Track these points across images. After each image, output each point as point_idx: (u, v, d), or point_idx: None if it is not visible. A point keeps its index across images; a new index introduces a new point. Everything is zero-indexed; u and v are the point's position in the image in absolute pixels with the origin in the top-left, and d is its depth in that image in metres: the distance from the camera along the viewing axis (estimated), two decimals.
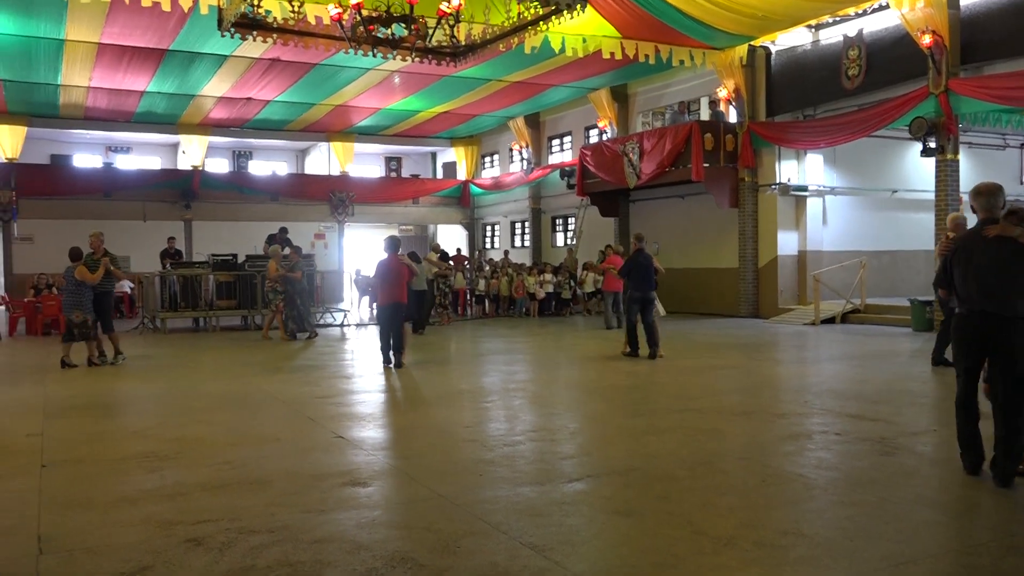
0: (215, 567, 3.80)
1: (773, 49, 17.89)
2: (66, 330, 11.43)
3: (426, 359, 12.75)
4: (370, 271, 14.26)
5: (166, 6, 12.94)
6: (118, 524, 4.49)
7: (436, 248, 20.13)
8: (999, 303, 4.90)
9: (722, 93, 18.30)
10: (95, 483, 5.37)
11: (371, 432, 7.16)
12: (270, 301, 15.25)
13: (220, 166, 28.11)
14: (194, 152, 25.81)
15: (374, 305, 15.40)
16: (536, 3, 10.94)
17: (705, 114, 19.48)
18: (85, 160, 26.91)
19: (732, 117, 18.65)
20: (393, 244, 11.38)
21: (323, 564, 3.83)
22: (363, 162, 30.03)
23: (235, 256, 18.43)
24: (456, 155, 30.01)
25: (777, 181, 18.02)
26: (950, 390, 5.96)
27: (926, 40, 13.93)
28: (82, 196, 23.79)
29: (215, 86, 20.86)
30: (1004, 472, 4.89)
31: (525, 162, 26.21)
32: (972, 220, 5.40)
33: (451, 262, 22.02)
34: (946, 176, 14.62)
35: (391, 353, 10.97)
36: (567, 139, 25.17)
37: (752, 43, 17.51)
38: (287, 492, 5.06)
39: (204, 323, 17.62)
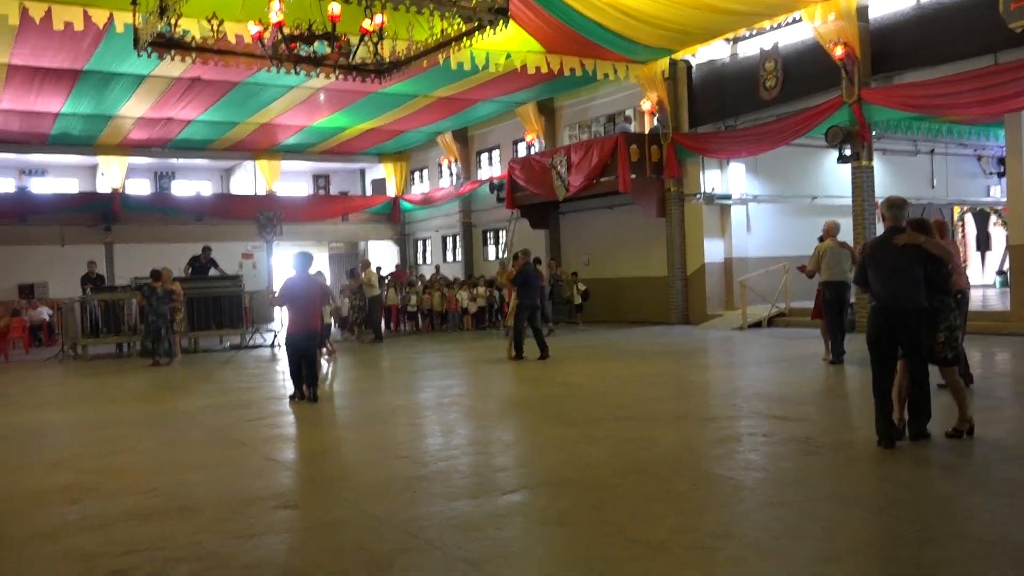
0: None
1: (694, 62, 18.32)
2: None
3: (358, 376, 12.63)
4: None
5: (79, 26, 12.62)
6: (36, 560, 4.33)
7: (366, 263, 19.97)
8: (905, 298, 5.89)
9: (646, 105, 18.64)
10: (11, 518, 5.16)
11: (302, 453, 7.04)
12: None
13: (142, 187, 27.43)
14: (114, 174, 25.12)
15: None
16: (459, 19, 10.99)
17: (632, 126, 19.83)
18: None
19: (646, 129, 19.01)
20: (304, 261, 9.75)
21: None
22: (291, 180, 29.67)
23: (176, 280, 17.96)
24: (385, 171, 29.88)
25: (702, 190, 18.42)
26: (869, 389, 6.18)
27: (838, 52, 14.45)
28: None
29: (134, 106, 20.34)
30: (916, 430, 6.05)
31: (454, 177, 26.24)
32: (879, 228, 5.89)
33: (389, 278, 21.94)
34: (862, 182, 15.15)
35: (304, 387, 9.52)
36: (495, 153, 25.29)
37: (673, 56, 17.90)
38: (216, 519, 4.94)
39: (128, 348, 17.11)
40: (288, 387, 10.04)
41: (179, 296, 15.01)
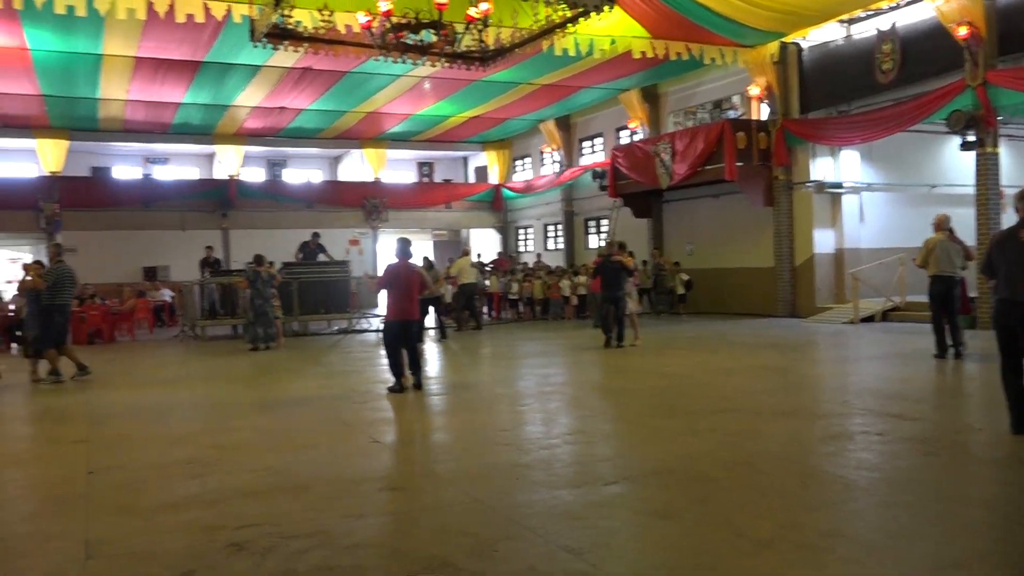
0: (257, 571, 3.85)
1: (804, 45, 17.70)
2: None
3: (459, 364, 12.81)
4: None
5: (200, 18, 13.16)
6: (162, 530, 4.56)
7: (465, 252, 20.16)
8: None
9: (754, 91, 18.15)
10: (139, 489, 5.46)
11: (406, 436, 7.19)
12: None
13: (255, 175, 28.46)
14: (230, 162, 26.17)
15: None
16: (564, 5, 10.95)
17: (738, 113, 19.34)
18: (125, 172, 27.40)
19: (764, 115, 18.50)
20: (404, 248, 9.50)
21: (362, 569, 3.86)
22: (396, 168, 30.23)
23: (272, 264, 18.62)
24: (488, 159, 30.09)
25: (812, 179, 17.82)
26: (992, 388, 5.87)
27: (962, 32, 13.69)
28: (123, 207, 24.24)
29: (249, 96, 21.14)
30: None
31: (557, 164, 26.21)
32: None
33: (491, 266, 22.12)
34: (986, 170, 14.34)
35: (407, 371, 9.27)
36: (598, 140, 25.11)
37: (783, 39, 17.34)
38: (326, 497, 5.11)
39: (242, 330, 17.83)
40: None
41: (276, 282, 15.40)
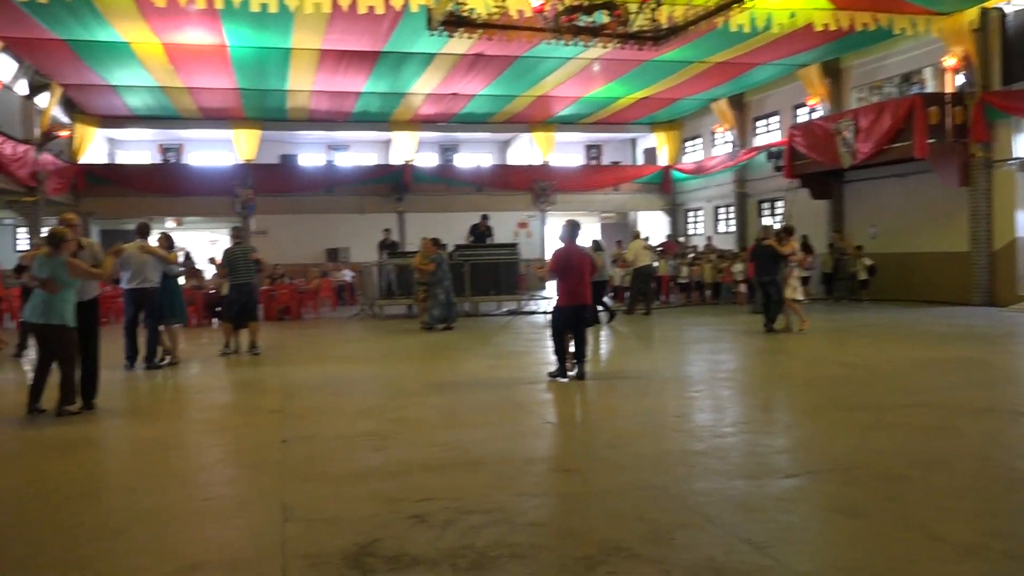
0: (438, 543, 3.98)
1: (1008, 10, 16.19)
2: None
3: (629, 348, 12.72)
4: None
5: (380, 9, 13.67)
6: (349, 498, 4.81)
7: (636, 235, 19.95)
8: None
9: (948, 62, 16.81)
10: (327, 459, 5.79)
11: (578, 419, 7.22)
12: (414, 291, 15.64)
13: (429, 160, 29.38)
14: (405, 147, 27.16)
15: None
16: None
17: (930, 87, 17.99)
18: (309, 159, 29.05)
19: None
20: (572, 231, 9.11)
21: (539, 548, 3.91)
22: (564, 151, 30.32)
23: (445, 246, 19.17)
24: (657, 140, 29.61)
25: (1016, 156, 16.33)
26: None
27: None
28: (307, 192, 25.82)
29: (424, 83, 21.82)
30: None
31: (729, 145, 25.41)
32: None
33: (660, 248, 21.80)
34: None
35: (572, 361, 8.97)
36: (774, 119, 24.12)
37: (984, 5, 15.95)
38: (500, 475, 5.21)
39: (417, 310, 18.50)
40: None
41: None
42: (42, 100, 20.55)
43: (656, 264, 19.79)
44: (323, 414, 7.44)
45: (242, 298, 11.97)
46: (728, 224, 26.67)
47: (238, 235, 12.80)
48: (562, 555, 3.81)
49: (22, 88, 19.69)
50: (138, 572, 3.86)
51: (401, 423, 6.89)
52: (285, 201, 25.40)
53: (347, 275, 23.44)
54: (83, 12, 15.08)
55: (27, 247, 21.38)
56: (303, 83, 21.33)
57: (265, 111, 24.71)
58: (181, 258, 14.15)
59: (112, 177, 24.69)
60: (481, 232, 20.78)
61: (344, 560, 3.81)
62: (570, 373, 8.88)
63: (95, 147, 25.60)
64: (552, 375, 8.92)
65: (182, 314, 11.50)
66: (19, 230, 24.51)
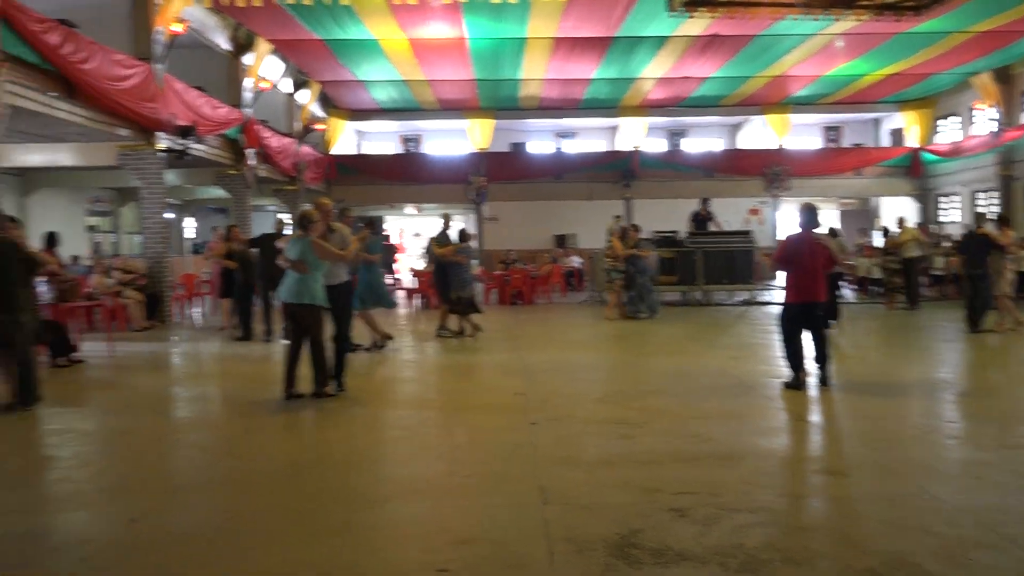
0: (703, 540, 3.86)
1: None
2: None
3: (872, 345, 11.90)
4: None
5: None
6: (603, 484, 4.80)
7: (901, 221, 18.28)
8: None
9: None
10: (576, 443, 5.81)
11: (832, 419, 6.79)
12: (610, 280, 15.20)
13: (657, 146, 28.97)
14: (633, 133, 26.95)
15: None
16: None
17: None
18: (538, 147, 29.60)
19: None
20: (810, 217, 7.96)
21: (815, 554, 3.69)
22: (798, 134, 28.78)
23: (675, 233, 18.84)
24: (904, 120, 27.29)
25: None
26: None
27: None
28: (537, 179, 26.31)
29: (654, 68, 21.47)
30: None
31: (993, 123, 22.95)
32: None
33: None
34: None
35: (810, 366, 7.94)
36: None
37: None
38: (758, 471, 5.00)
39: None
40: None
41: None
42: (302, 96, 22.42)
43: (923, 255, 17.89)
44: (565, 398, 7.49)
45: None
46: (989, 210, 24.11)
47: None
48: (842, 564, 3.57)
49: (286, 86, 21.54)
50: (413, 540, 4.06)
51: (645, 411, 6.79)
52: (515, 188, 26.04)
53: (576, 261, 23.67)
54: (340, 12, 16.22)
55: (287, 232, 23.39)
56: (536, 72, 21.69)
57: (498, 101, 25.41)
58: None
59: (359, 167, 26.51)
60: (702, 218, 20.13)
61: (608, 549, 3.80)
62: (809, 379, 7.83)
63: (345, 139, 27.58)
64: (787, 385, 7.76)
65: (387, 299, 11.56)
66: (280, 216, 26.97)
